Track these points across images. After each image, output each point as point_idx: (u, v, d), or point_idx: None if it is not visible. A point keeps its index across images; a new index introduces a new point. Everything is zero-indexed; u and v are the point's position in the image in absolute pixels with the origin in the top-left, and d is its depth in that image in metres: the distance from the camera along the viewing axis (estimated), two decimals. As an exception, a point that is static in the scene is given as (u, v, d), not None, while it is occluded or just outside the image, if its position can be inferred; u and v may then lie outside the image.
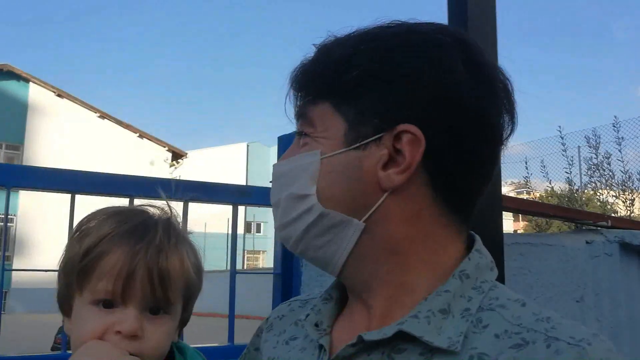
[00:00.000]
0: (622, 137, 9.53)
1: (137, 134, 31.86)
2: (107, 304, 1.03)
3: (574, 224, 3.79)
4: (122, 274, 1.01)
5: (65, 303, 1.10)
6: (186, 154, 34.40)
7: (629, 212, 9.05)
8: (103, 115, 31.23)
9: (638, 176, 9.37)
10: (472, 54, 0.93)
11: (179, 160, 33.13)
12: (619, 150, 9.53)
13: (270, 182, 1.01)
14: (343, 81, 0.91)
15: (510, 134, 0.97)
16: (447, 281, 0.90)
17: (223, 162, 46.54)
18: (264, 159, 50.01)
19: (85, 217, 1.13)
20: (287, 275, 2.45)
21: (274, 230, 1.23)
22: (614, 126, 9.64)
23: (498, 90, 0.94)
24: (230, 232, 2.51)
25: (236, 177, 42.62)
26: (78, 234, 1.09)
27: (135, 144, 31.20)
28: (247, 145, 50.96)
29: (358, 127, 0.90)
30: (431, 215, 0.91)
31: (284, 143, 2.59)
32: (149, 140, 32.08)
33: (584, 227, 3.04)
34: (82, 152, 28.54)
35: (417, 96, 0.89)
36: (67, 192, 2.11)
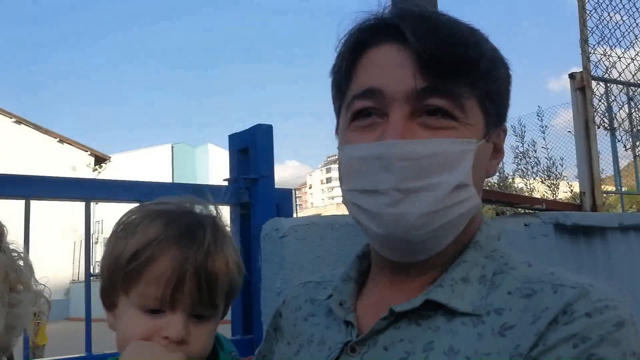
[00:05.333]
0: (546, 125, 9.71)
1: (57, 139, 30.67)
2: (155, 309, 1.03)
3: (508, 209, 3.99)
4: (172, 282, 1.01)
5: (108, 299, 1.10)
6: (109, 157, 33.42)
7: (554, 196, 9.35)
8: (19, 121, 29.90)
9: (561, 161, 9.61)
10: None
11: (102, 165, 32.14)
12: (543, 138, 9.74)
13: (397, 160, 0.94)
14: (496, 84, 1.03)
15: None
16: (464, 252, 1.01)
17: (148, 165, 45.44)
18: (189, 159, 49.09)
19: (129, 212, 1.11)
20: (245, 269, 2.45)
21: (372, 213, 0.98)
22: (538, 115, 9.91)
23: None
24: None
25: (162, 179, 41.64)
26: (122, 231, 1.08)
27: (55, 149, 30.00)
28: (172, 147, 49.91)
29: (492, 123, 1.03)
30: None
31: (236, 142, 2.61)
32: (70, 144, 30.93)
33: (520, 211, 3.21)
34: (-2, 158, 27.17)
35: (509, 102, 1.08)
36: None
